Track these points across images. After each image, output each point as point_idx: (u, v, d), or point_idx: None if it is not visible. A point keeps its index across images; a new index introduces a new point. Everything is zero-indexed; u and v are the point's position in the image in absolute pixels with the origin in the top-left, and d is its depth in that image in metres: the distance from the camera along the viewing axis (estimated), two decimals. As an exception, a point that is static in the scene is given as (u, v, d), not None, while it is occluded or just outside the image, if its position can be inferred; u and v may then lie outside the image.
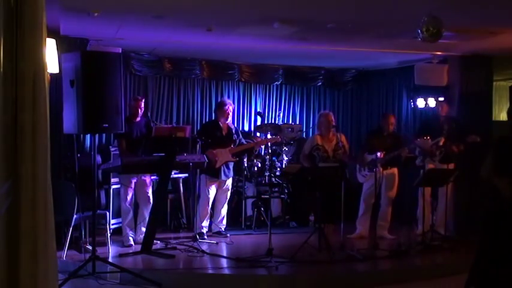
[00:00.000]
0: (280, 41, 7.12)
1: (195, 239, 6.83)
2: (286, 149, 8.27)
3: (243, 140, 7.60)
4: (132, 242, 6.79)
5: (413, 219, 7.68)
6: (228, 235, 7.37)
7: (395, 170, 7.35)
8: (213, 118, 8.17)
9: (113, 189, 7.23)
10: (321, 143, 7.17)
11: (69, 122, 5.40)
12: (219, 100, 8.50)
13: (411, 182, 7.43)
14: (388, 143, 7.16)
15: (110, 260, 6.02)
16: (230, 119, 7.56)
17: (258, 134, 8.84)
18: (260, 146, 7.94)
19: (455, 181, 7.21)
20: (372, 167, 7.04)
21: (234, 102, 9.09)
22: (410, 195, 7.81)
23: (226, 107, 7.39)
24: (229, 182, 7.49)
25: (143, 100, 7.18)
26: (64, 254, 6.03)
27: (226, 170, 7.34)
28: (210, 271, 5.94)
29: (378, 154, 6.95)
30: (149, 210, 6.81)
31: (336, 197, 6.70)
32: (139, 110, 6.98)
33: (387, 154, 7.02)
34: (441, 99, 8.15)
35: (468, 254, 6.71)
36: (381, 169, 6.95)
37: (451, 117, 7.79)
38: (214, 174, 7.24)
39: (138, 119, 7.03)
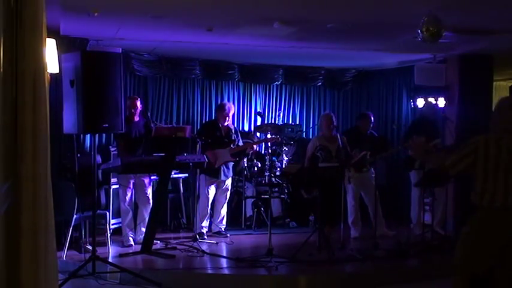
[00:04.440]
0: (280, 41, 7.11)
1: (195, 239, 6.82)
2: (286, 149, 8.27)
3: (241, 142, 7.61)
4: (132, 242, 6.79)
5: (411, 220, 7.69)
6: (228, 235, 7.37)
7: (373, 170, 7.32)
8: (214, 118, 8.17)
9: (113, 189, 7.23)
10: (323, 144, 7.16)
11: (69, 122, 5.39)
12: (219, 102, 8.52)
13: (411, 182, 7.44)
14: (371, 143, 7.18)
15: (110, 260, 6.03)
16: (230, 121, 7.57)
17: (258, 134, 8.84)
18: (253, 147, 7.93)
19: (455, 181, 7.21)
20: (360, 168, 7.04)
21: (234, 102, 9.10)
22: (409, 195, 7.81)
23: (226, 112, 7.40)
24: (228, 182, 7.50)
25: (139, 99, 7.18)
26: (64, 254, 6.03)
27: (225, 170, 7.35)
28: (210, 271, 5.94)
29: (367, 154, 6.96)
30: (148, 211, 6.81)
31: (336, 197, 6.70)
32: (134, 109, 6.96)
33: (375, 154, 7.01)
34: (441, 99, 8.15)
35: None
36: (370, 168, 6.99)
37: (448, 118, 7.80)
38: (213, 174, 7.24)
39: (137, 118, 7.02)
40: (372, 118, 7.65)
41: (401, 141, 7.39)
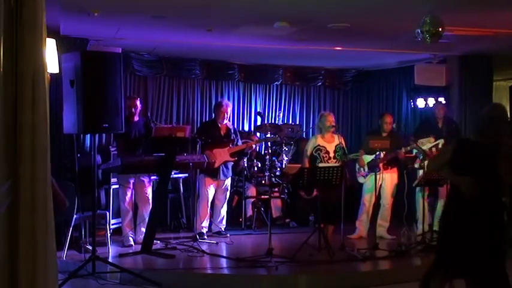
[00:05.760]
0: (280, 41, 7.12)
1: (195, 239, 6.82)
2: (286, 149, 8.27)
3: (240, 142, 7.61)
4: (132, 242, 6.79)
5: (413, 219, 7.67)
6: (228, 235, 7.37)
7: (395, 170, 7.35)
8: (213, 117, 8.18)
9: (113, 189, 7.22)
10: (322, 144, 7.16)
11: (69, 122, 5.39)
12: (218, 100, 8.53)
13: (411, 182, 7.43)
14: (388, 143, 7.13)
15: (110, 260, 6.02)
16: (230, 119, 7.57)
17: (258, 134, 8.85)
18: (252, 147, 7.94)
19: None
20: (372, 167, 7.04)
21: (234, 102, 9.12)
22: (410, 195, 7.80)
23: (223, 108, 7.41)
24: (228, 182, 7.50)
25: (138, 99, 7.18)
26: (64, 254, 6.03)
27: (225, 169, 7.34)
28: (210, 271, 5.94)
29: (380, 154, 6.95)
30: (148, 211, 6.81)
31: (336, 197, 6.69)
32: (134, 109, 6.96)
33: (388, 154, 7.02)
34: (441, 99, 8.15)
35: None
36: (382, 169, 6.95)
37: (449, 118, 7.79)
38: (213, 174, 7.24)
39: (137, 118, 7.02)
40: (389, 118, 7.46)
41: (412, 140, 7.34)
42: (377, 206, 7.23)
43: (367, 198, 7.37)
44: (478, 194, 3.95)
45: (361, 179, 7.40)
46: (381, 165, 6.97)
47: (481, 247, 4.03)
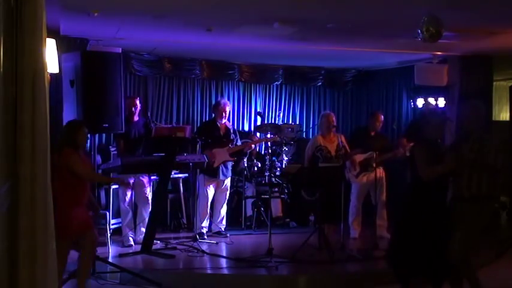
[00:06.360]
0: (280, 41, 7.11)
1: (195, 239, 6.83)
2: (286, 149, 8.26)
3: (239, 142, 7.61)
4: (132, 242, 6.79)
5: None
6: (228, 235, 7.37)
7: (382, 171, 7.31)
8: (213, 117, 8.18)
9: (113, 189, 7.22)
10: (323, 144, 7.17)
11: (69, 122, 5.40)
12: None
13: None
14: (378, 142, 7.15)
15: (110, 260, 6.03)
16: (230, 120, 7.57)
17: (258, 134, 8.85)
18: (252, 146, 7.95)
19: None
20: (366, 167, 7.04)
21: (234, 102, 9.12)
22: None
23: (221, 107, 7.42)
24: (227, 182, 7.50)
25: (138, 99, 7.17)
26: (64, 254, 6.02)
27: (224, 169, 7.35)
28: (210, 271, 5.95)
29: (373, 154, 6.95)
30: (148, 211, 6.81)
31: (336, 197, 6.70)
32: (134, 109, 6.95)
33: (382, 154, 7.00)
34: (441, 99, 8.15)
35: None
36: (377, 169, 6.97)
37: (448, 118, 7.79)
38: (212, 174, 7.24)
39: (136, 118, 7.02)
40: (381, 117, 7.51)
41: (402, 140, 7.35)
42: (372, 206, 7.24)
43: (360, 198, 7.35)
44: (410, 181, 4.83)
45: (351, 179, 7.35)
46: (374, 164, 6.98)
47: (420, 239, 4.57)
